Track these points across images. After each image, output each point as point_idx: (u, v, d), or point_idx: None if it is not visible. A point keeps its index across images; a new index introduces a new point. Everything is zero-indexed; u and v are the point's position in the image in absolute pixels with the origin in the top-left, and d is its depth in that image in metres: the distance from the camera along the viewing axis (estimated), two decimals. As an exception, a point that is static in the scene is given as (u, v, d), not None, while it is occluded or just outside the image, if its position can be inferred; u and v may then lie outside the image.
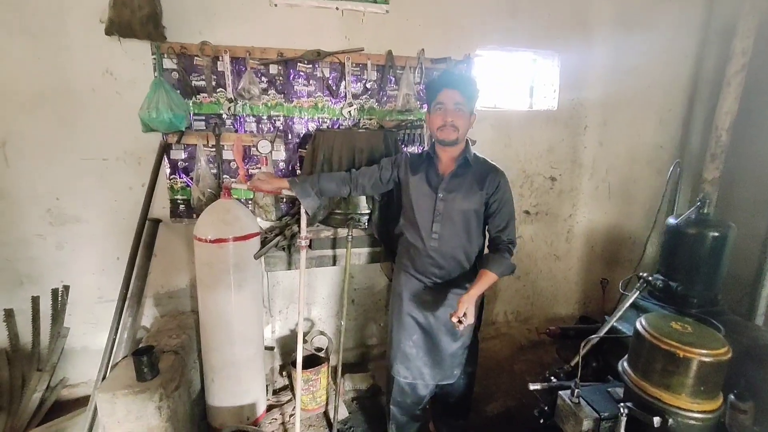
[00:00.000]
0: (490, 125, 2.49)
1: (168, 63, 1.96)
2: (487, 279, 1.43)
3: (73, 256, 2.05)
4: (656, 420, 0.92)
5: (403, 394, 1.69)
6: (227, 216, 1.75)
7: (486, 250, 1.60)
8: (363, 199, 1.87)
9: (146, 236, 2.02)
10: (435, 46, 2.26)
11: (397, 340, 1.64)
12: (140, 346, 1.81)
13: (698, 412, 0.94)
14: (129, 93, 1.92)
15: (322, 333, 2.20)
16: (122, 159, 2.00)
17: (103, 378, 1.77)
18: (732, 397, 1.01)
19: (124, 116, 1.93)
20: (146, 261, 2.02)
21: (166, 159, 2.04)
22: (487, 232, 1.59)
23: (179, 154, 2.05)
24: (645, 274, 1.44)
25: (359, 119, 2.25)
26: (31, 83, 1.85)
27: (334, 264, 1.94)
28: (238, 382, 1.88)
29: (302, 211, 1.59)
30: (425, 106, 2.32)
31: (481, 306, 1.71)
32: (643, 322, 1.05)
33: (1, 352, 2.09)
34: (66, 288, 2.10)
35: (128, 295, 1.93)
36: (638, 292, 1.30)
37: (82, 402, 2.04)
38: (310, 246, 1.93)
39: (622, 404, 1.00)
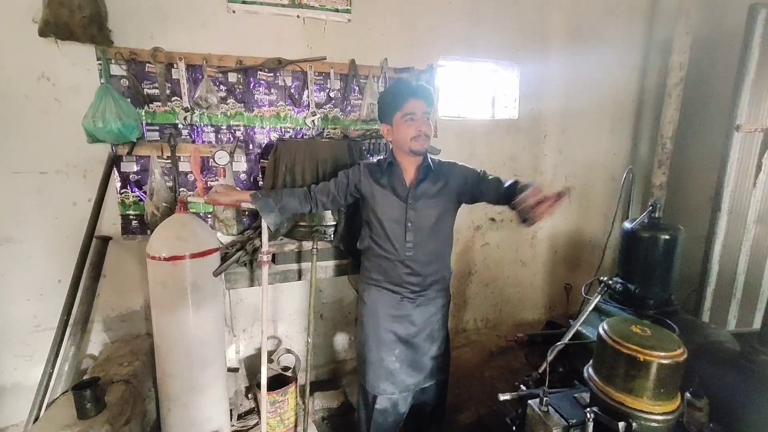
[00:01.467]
0: (455, 134, 2.53)
1: (116, 69, 1.84)
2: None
3: (3, 282, 1.85)
4: (621, 425, 0.93)
5: (386, 414, 1.63)
6: (183, 231, 1.64)
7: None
8: (328, 210, 1.82)
9: (93, 255, 1.86)
10: (398, 55, 2.27)
11: (378, 358, 1.58)
12: (84, 378, 1.65)
13: (659, 414, 0.96)
14: (71, 100, 1.78)
15: (289, 351, 2.11)
16: (64, 172, 1.84)
17: (36, 419, 1.60)
18: (688, 395, 1.05)
19: (65, 126, 1.79)
20: (93, 282, 1.86)
21: (116, 172, 1.90)
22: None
23: (131, 167, 1.92)
24: (606, 278, 1.49)
25: (323, 129, 2.21)
26: None
27: (299, 278, 1.87)
28: (198, 409, 1.75)
29: (263, 224, 1.52)
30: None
31: (448, 309, 1.72)
32: (606, 327, 1.07)
33: None
34: (-6, 317, 1.89)
35: (71, 322, 1.76)
36: (600, 296, 1.34)
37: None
38: (273, 261, 1.86)
39: (588, 410, 1.00)
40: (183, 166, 1.99)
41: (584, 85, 2.81)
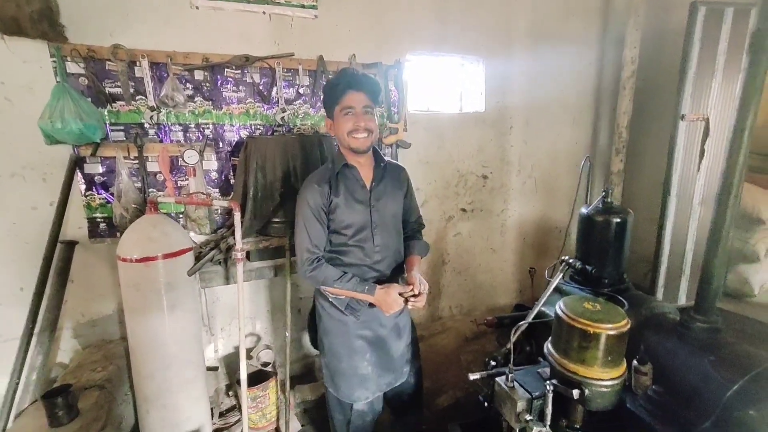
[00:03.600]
0: (423, 128, 2.59)
1: (74, 67, 1.78)
2: (418, 263, 1.57)
3: (-38, 291, 1.78)
4: (575, 392, 1.03)
5: (364, 416, 1.61)
6: (154, 232, 1.62)
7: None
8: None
9: (59, 261, 1.81)
10: (366, 51, 2.31)
11: (350, 367, 1.53)
12: (54, 386, 1.62)
13: (608, 380, 1.07)
14: (24, 100, 1.71)
15: (268, 347, 2.13)
16: (20, 175, 1.77)
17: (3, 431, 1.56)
18: (635, 362, 1.16)
19: (18, 126, 1.72)
20: (60, 288, 1.81)
21: (79, 174, 1.84)
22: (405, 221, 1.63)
23: (95, 168, 1.87)
24: (566, 257, 1.60)
25: (294, 125, 2.22)
26: None
27: (275, 275, 1.89)
28: (178, 409, 1.75)
29: (236, 222, 1.53)
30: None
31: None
32: (561, 305, 1.16)
33: None
34: (-48, 328, 1.81)
35: (36, 330, 1.71)
36: (561, 275, 1.45)
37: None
38: (248, 258, 1.87)
39: (547, 382, 1.10)
40: (151, 166, 1.95)
41: (546, 79, 2.94)
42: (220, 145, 2.09)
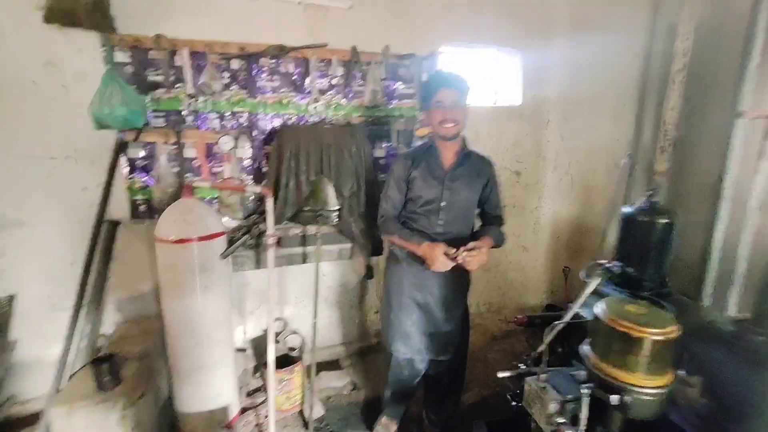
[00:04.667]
0: (457, 121, 2.53)
1: (121, 56, 1.86)
2: (488, 241, 1.61)
3: (18, 264, 1.91)
4: (614, 398, 0.97)
5: (401, 368, 1.79)
6: (190, 215, 1.68)
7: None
8: (332, 195, 1.85)
9: (104, 239, 1.92)
10: (400, 42, 2.28)
11: (397, 320, 1.73)
12: (100, 354, 1.72)
13: (651, 387, 1.00)
14: (77, 87, 1.81)
15: (294, 332, 2.17)
16: (73, 158, 1.88)
17: (58, 391, 1.67)
18: (681, 372, 1.09)
19: (72, 112, 1.82)
20: (104, 265, 1.92)
21: (123, 158, 1.94)
22: (480, 214, 1.78)
23: (138, 153, 1.95)
24: (604, 262, 1.52)
25: (326, 115, 2.22)
26: None
27: (304, 262, 1.92)
28: (208, 386, 1.82)
29: (268, 208, 1.56)
30: (392, 101, 2.34)
31: (466, 288, 1.80)
32: (602, 306, 1.10)
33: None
34: (10, 298, 1.96)
35: (84, 303, 1.82)
36: (600, 278, 1.37)
37: (33, 419, 1.91)
38: (278, 244, 1.90)
39: (584, 385, 1.04)
40: (188, 152, 2.02)
41: (587, 71, 2.80)
42: (254, 133, 2.13)
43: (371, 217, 1.93)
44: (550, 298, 3.12)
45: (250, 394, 2.19)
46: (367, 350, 2.58)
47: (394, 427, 1.95)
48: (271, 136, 2.13)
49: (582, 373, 1.17)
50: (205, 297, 1.73)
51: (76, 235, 1.91)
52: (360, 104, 2.27)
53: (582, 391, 1.04)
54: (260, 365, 2.31)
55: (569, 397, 1.10)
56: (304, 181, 1.79)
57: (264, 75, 2.10)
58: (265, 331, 2.39)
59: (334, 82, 2.22)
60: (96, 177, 1.90)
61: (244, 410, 2.05)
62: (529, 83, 2.69)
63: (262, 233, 1.81)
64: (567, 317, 1.43)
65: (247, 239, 1.82)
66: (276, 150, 1.89)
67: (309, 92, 2.18)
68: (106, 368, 1.54)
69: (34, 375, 2.01)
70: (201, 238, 1.66)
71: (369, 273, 1.88)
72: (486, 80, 2.80)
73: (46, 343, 2.02)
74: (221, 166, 2.06)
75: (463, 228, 1.70)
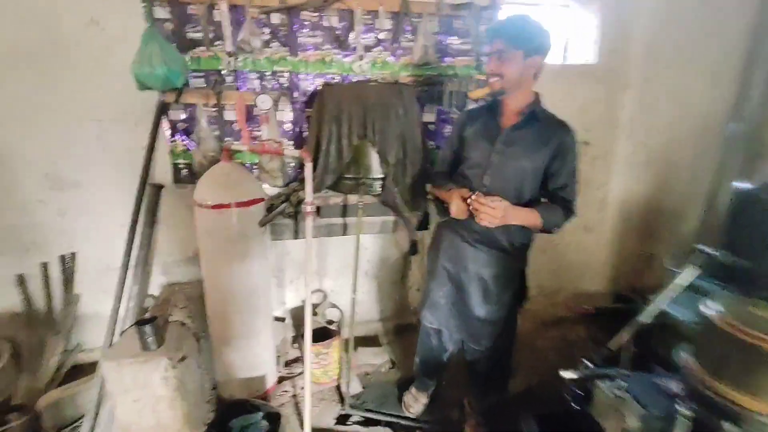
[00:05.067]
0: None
1: (160, 12, 1.77)
2: (530, 214, 1.37)
3: (77, 223, 1.99)
4: (727, 426, 0.76)
5: (429, 337, 1.74)
6: (228, 180, 1.61)
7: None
8: (375, 161, 1.69)
9: (148, 202, 1.92)
10: (457, -11, 1.99)
11: (429, 288, 1.66)
12: (145, 316, 1.76)
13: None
14: (119, 46, 1.76)
15: (333, 306, 2.10)
16: (118, 120, 1.87)
17: (110, 345, 1.73)
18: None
19: (116, 72, 1.78)
20: (149, 228, 1.94)
21: (165, 120, 1.89)
22: (545, 194, 1.46)
23: (178, 115, 1.90)
24: (705, 248, 1.24)
25: (371, 75, 2.03)
26: (10, 36, 1.71)
27: (344, 233, 1.80)
28: (246, 354, 1.81)
29: (307, 175, 1.44)
30: (446, 59, 2.09)
31: (522, 280, 1.60)
32: (716, 307, 0.86)
33: (17, 315, 2.09)
34: (73, 255, 2.05)
35: (131, 264, 1.85)
36: (697, 268, 1.10)
37: (95, 367, 2.04)
38: (318, 214, 1.79)
39: (681, 403, 0.83)
40: (228, 115, 1.94)
41: (679, 25, 2.32)
42: (295, 94, 1.99)
43: (418, 187, 1.76)
44: (613, 286, 2.79)
45: (288, 363, 2.18)
46: (406, 328, 2.47)
47: (423, 399, 1.89)
48: (313, 97, 1.98)
49: (672, 384, 0.95)
50: (243, 265, 1.68)
51: (125, 197, 1.92)
52: (409, 62, 2.05)
53: (678, 409, 0.82)
54: (299, 335, 2.29)
55: (656, 413, 0.89)
56: (345, 146, 1.64)
57: (306, 30, 1.93)
58: (305, 302, 2.36)
59: (381, 37, 2.00)
60: (140, 139, 1.87)
61: (281, 379, 2.05)
62: (608, 38, 2.30)
63: (301, 201, 1.71)
64: (650, 313, 1.20)
65: (286, 207, 1.73)
66: (316, 111, 1.75)
67: (353, 49, 1.99)
68: (149, 330, 1.55)
69: (95, 327, 2.13)
70: (238, 204, 1.59)
71: (413, 249, 1.73)
72: (555, 35, 2.42)
73: (103, 299, 2.10)
74: (261, 129, 1.96)
75: (510, 200, 1.42)
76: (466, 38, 2.10)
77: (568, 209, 1.42)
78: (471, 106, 2.13)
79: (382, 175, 1.71)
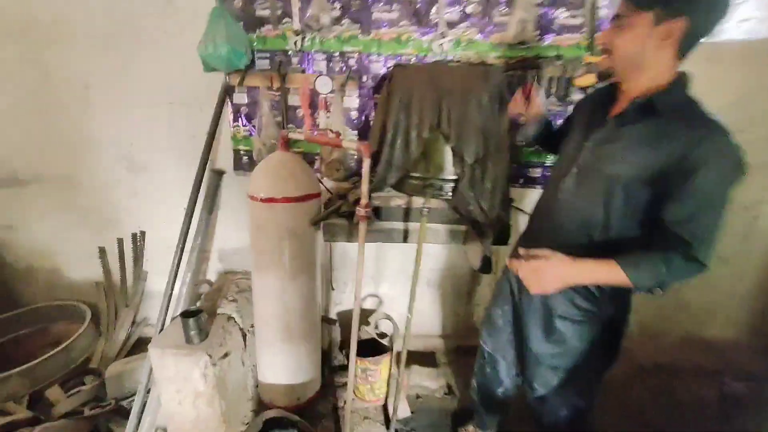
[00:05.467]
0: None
1: (230, -12, 1.67)
2: (604, 268, 0.96)
3: (146, 205, 2.03)
4: None
5: (484, 361, 1.50)
6: (282, 171, 1.45)
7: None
8: (449, 159, 1.40)
9: (209, 188, 1.87)
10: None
11: (490, 304, 1.46)
12: (196, 304, 1.72)
13: None
14: (190, 27, 1.69)
15: (387, 317, 1.88)
16: (186, 103, 1.84)
17: (161, 329, 1.73)
18: None
19: (186, 54, 1.72)
20: (208, 214, 1.90)
21: (228, 104, 1.81)
22: (655, 223, 0.97)
23: (242, 98, 1.81)
24: None
25: (453, 56, 1.72)
26: (100, 22, 1.74)
27: (404, 240, 1.55)
28: (290, 358, 1.68)
29: (364, 170, 1.21)
30: (547, 36, 1.71)
31: (614, 335, 1.17)
32: None
33: (98, 284, 2.25)
34: (142, 234, 2.12)
35: (186, 249, 1.82)
36: None
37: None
38: (376, 216, 1.56)
39: None
40: (292, 100, 1.79)
41: None
42: (364, 78, 1.77)
43: (500, 193, 1.43)
44: (753, 336, 2.15)
45: (334, 369, 2.03)
46: (468, 350, 2.15)
47: None
48: (382, 82, 1.75)
49: None
50: (293, 263, 1.53)
51: (187, 182, 1.90)
52: (500, 40, 1.69)
53: None
54: (348, 341, 2.12)
55: None
56: (414, 139, 1.38)
57: (381, 4, 1.69)
58: (353, 315, 2.18)
59: (468, 10, 1.68)
60: (204, 124, 1.82)
61: (325, 386, 1.90)
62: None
63: (359, 200, 1.49)
64: None
65: (341, 206, 1.53)
66: (384, 97, 1.50)
67: (435, 25, 1.70)
68: (192, 323, 1.49)
69: (159, 304, 2.20)
70: (289, 199, 1.43)
71: (485, 266, 1.43)
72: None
73: (165, 278, 2.17)
74: (327, 116, 1.79)
75: (587, 215, 1.04)
76: (576, 10, 1.68)
77: (686, 257, 0.91)
78: (577, 96, 1.72)
79: (454, 177, 1.42)
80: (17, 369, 1.80)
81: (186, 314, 1.52)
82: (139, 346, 2.21)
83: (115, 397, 1.87)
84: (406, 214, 1.55)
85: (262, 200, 1.44)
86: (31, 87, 1.85)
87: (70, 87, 1.84)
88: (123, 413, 1.81)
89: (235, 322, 1.75)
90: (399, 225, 1.56)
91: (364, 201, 1.24)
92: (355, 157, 1.85)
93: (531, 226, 1.30)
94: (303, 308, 1.63)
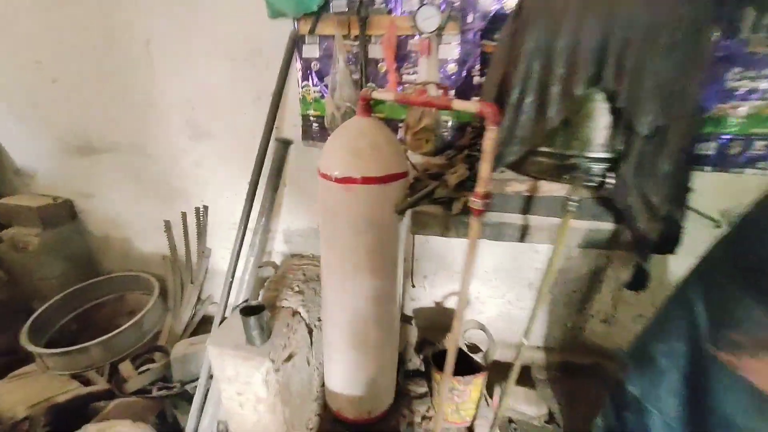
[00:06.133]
0: None
1: None
2: None
3: (209, 176, 1.85)
4: None
5: (624, 407, 1.07)
6: (362, 143, 1.11)
7: None
8: (603, 129, 0.94)
9: (273, 161, 1.61)
10: None
11: (647, 332, 1.04)
12: (257, 300, 1.51)
13: None
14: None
15: (481, 328, 1.52)
16: (249, 59, 1.55)
17: (221, 321, 1.55)
18: None
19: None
20: (272, 191, 1.65)
21: (297, 59, 1.49)
22: None
23: (313, 51, 1.47)
24: None
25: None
26: None
27: (521, 239, 1.15)
28: (361, 369, 1.41)
29: (486, 142, 0.81)
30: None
31: None
32: None
33: (165, 258, 2.18)
34: (205, 208, 1.96)
35: (249, 227, 1.60)
36: None
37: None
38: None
39: None
40: (374, 51, 1.42)
41: None
42: (469, 18, 1.33)
43: (679, 181, 0.95)
44: None
45: (409, 375, 1.75)
46: (575, 370, 1.75)
47: None
48: (495, 24, 1.29)
49: None
50: (370, 259, 1.21)
51: (250, 151, 1.65)
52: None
53: None
54: (426, 342, 1.81)
55: None
56: (556, 99, 0.93)
57: None
58: (438, 303, 1.85)
59: None
60: (269, 84, 1.53)
61: (399, 395, 1.62)
62: None
63: (463, 183, 1.11)
64: None
65: (436, 188, 1.16)
66: (507, 40, 1.06)
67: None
68: (253, 323, 1.27)
69: (222, 282, 2.07)
70: (371, 180, 1.09)
71: (638, 281, 1.00)
72: None
73: (228, 256, 2.02)
74: (416, 72, 1.39)
75: None
76: None
77: None
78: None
79: (610, 156, 0.96)
80: (96, 340, 1.77)
81: (247, 311, 1.30)
82: (204, 324, 2.12)
83: (180, 380, 1.78)
84: (527, 204, 1.13)
85: (336, 180, 1.11)
86: (96, 49, 1.69)
87: (134, 45, 1.65)
88: (188, 397, 1.72)
89: (301, 317, 1.52)
90: (514, 218, 1.15)
91: (482, 188, 0.86)
92: (449, 123, 1.44)
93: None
94: (380, 313, 1.33)
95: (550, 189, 1.08)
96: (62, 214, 2.10)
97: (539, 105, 0.97)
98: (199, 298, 2.13)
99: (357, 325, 1.32)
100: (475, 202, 0.87)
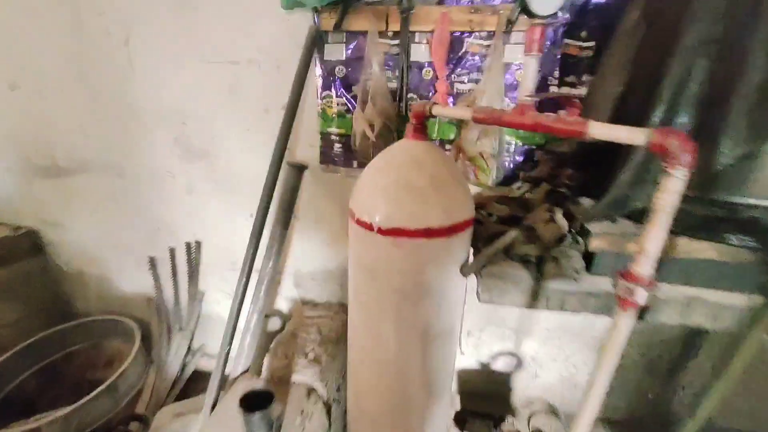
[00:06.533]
0: None
1: None
2: None
3: (203, 205, 1.51)
4: None
5: None
6: (419, 179, 0.78)
7: None
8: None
9: (285, 191, 1.27)
10: None
11: None
12: (261, 384, 1.17)
13: None
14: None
15: (553, 412, 1.17)
16: (256, 62, 1.23)
17: (214, 405, 1.20)
18: None
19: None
20: (282, 227, 1.31)
21: (317, 62, 1.17)
22: None
23: (337, 52, 1.15)
24: None
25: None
26: None
27: (640, 317, 0.80)
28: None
29: (672, 183, 0.48)
30: None
31: None
32: None
33: (149, 301, 1.83)
34: (198, 244, 1.62)
35: (253, 269, 1.26)
36: None
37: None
38: (586, 264, 0.83)
39: None
40: (417, 52, 1.10)
41: None
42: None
43: None
44: None
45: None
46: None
47: None
48: (584, 16, 0.98)
49: None
50: (422, 342, 0.87)
51: (258, 176, 1.32)
52: None
53: None
54: (468, 412, 1.46)
55: None
56: (735, 119, 0.61)
57: None
58: (485, 364, 1.50)
59: None
60: (281, 94, 1.20)
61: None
62: None
63: (561, 239, 0.78)
64: None
65: (516, 239, 0.82)
66: (630, 32, 0.74)
67: None
68: (259, 421, 0.92)
69: (218, 330, 1.69)
70: (431, 233, 0.76)
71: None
72: None
73: (226, 300, 1.68)
74: (473, 79, 1.07)
75: None
76: None
77: None
78: None
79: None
80: (51, 416, 1.40)
81: (250, 401, 0.95)
82: (195, 381, 1.76)
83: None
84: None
85: (381, 232, 0.78)
86: (64, 48, 1.37)
87: (110, 44, 1.33)
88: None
89: (318, 396, 1.17)
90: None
91: (646, 269, 0.52)
92: (512, 148, 1.11)
93: None
94: (427, 401, 0.98)
95: (691, 249, 0.75)
96: (23, 247, 1.75)
97: (699, 128, 0.64)
98: (189, 348, 1.78)
99: (395, 411, 0.97)
100: (634, 290, 0.53)
